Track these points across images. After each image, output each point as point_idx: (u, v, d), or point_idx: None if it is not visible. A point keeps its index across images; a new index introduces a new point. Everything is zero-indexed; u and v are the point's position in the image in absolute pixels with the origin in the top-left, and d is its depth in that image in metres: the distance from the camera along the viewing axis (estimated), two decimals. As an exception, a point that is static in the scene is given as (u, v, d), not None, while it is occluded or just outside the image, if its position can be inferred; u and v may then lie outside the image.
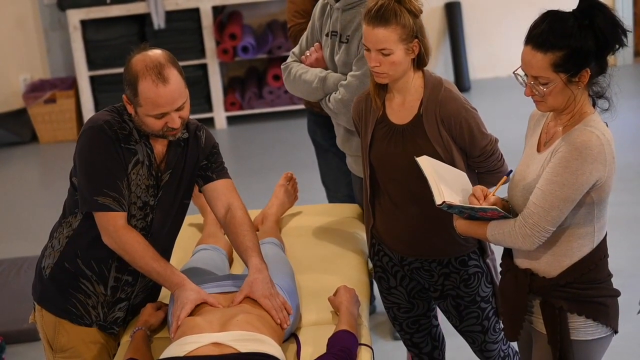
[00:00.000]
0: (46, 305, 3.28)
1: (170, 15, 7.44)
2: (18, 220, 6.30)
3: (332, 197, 4.58)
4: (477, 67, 8.04)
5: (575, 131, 2.72)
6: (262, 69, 7.87)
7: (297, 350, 3.10)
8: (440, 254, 3.29)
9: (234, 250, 3.47)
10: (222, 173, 3.33)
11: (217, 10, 7.65)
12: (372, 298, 4.23)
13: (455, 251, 3.29)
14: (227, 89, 7.80)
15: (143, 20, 7.53)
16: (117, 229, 3.10)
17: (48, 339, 3.31)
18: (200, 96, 7.55)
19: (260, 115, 7.70)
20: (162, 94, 3.03)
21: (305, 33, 3.92)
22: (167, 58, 3.07)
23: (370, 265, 3.64)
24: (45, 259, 3.28)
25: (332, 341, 3.00)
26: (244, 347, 2.84)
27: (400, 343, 4.16)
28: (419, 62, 3.19)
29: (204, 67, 7.59)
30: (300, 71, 3.81)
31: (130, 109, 3.12)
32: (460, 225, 2.91)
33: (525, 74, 2.74)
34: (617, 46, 2.69)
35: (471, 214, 2.85)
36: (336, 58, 3.73)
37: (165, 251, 3.27)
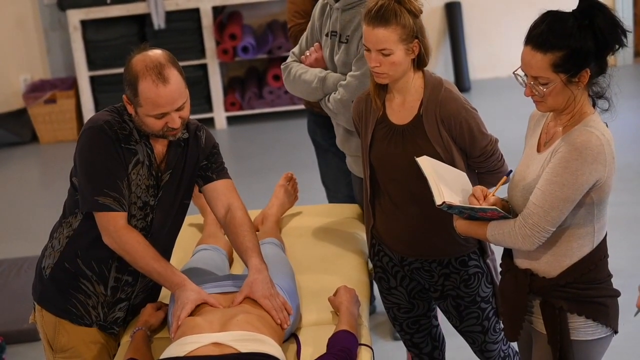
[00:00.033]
0: (46, 306, 3.28)
1: (170, 16, 7.43)
2: (18, 220, 6.30)
3: (332, 197, 4.57)
4: (477, 67, 8.03)
5: (575, 131, 2.72)
6: (262, 69, 7.87)
7: (297, 351, 3.10)
8: (440, 254, 3.29)
9: (234, 251, 3.47)
10: (222, 173, 3.33)
11: (217, 10, 7.65)
12: (372, 298, 4.23)
13: (456, 251, 3.29)
14: (227, 89, 7.79)
15: (143, 20, 7.52)
16: (117, 229, 3.10)
17: (48, 339, 3.30)
18: (200, 96, 7.54)
19: (260, 116, 7.69)
20: (162, 94, 3.02)
21: (305, 33, 3.92)
22: (167, 58, 3.07)
23: (370, 265, 3.64)
24: (45, 259, 3.28)
25: (332, 341, 3.00)
26: (244, 347, 2.84)
27: (400, 343, 4.16)
28: (419, 62, 3.19)
29: (204, 67, 7.59)
30: (300, 71, 3.81)
31: (130, 109, 3.12)
32: (460, 225, 2.91)
33: (525, 74, 2.74)
34: (617, 46, 2.69)
35: (471, 214, 2.85)
36: (336, 58, 3.73)
37: (165, 251, 3.27)
